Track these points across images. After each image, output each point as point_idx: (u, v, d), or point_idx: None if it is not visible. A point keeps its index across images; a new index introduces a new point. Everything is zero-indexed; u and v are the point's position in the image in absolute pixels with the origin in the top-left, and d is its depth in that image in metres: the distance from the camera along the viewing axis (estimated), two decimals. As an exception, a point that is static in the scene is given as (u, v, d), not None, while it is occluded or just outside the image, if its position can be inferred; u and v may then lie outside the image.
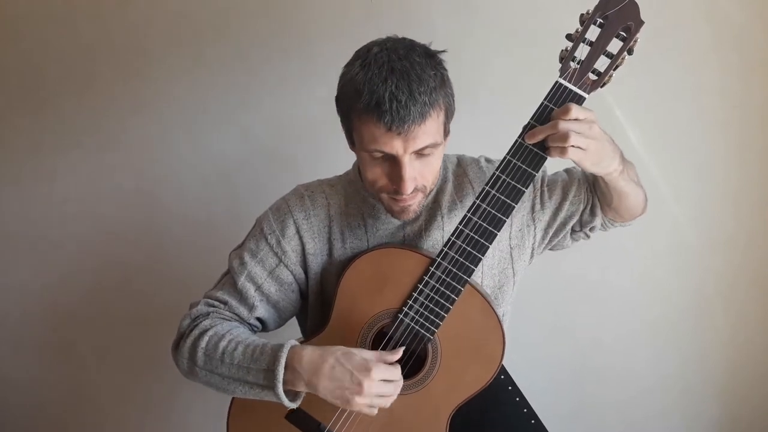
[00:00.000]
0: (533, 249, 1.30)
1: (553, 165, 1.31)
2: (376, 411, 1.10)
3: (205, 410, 1.89)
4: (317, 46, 1.69)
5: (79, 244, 1.86)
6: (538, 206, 1.27)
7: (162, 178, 1.81)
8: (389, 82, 1.03)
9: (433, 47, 1.13)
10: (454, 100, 1.13)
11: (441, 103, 1.08)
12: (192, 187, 1.81)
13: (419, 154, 1.09)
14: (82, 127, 1.79)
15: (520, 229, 1.27)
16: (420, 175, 1.11)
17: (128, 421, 1.97)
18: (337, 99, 1.14)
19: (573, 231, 1.30)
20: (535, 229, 1.28)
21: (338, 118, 1.24)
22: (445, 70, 1.11)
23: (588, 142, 1.00)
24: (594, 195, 1.25)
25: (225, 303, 1.22)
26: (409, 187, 1.09)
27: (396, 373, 1.09)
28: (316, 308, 1.27)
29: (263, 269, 1.22)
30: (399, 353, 1.11)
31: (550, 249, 1.34)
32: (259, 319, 1.24)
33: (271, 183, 1.53)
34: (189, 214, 1.82)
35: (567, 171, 1.31)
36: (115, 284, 1.88)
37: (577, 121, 1.00)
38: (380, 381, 1.07)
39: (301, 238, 1.23)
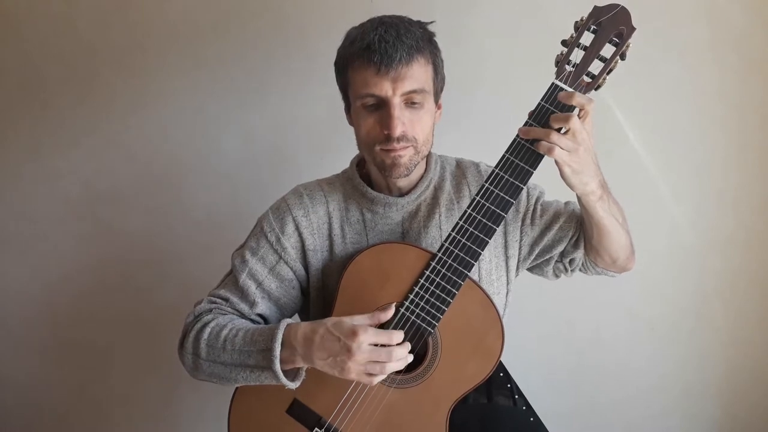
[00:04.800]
0: (519, 262, 1.32)
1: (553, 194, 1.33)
2: (375, 380, 1.08)
3: (207, 408, 1.89)
4: (317, 46, 1.70)
5: (79, 244, 1.86)
6: (528, 221, 1.30)
7: (162, 178, 1.82)
8: (379, 29, 1.15)
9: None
10: (442, 65, 1.22)
11: (428, 55, 1.17)
12: (192, 187, 1.82)
13: (408, 102, 1.15)
14: (82, 127, 1.80)
15: (516, 240, 1.30)
16: (410, 125, 1.16)
17: (129, 420, 1.97)
18: (335, 62, 1.22)
19: (556, 261, 1.32)
20: (521, 242, 1.31)
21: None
22: (434, 34, 1.20)
23: (575, 147, 1.02)
24: (582, 228, 1.27)
25: (227, 300, 1.25)
26: (397, 128, 1.14)
27: (389, 337, 1.07)
28: (317, 304, 1.29)
29: (264, 266, 1.25)
30: (391, 310, 1.10)
31: (529, 269, 1.37)
32: (260, 316, 1.26)
33: (271, 182, 1.54)
34: (189, 214, 1.83)
35: (566, 202, 1.33)
36: (115, 284, 1.88)
37: (567, 134, 1.03)
38: (370, 345, 1.06)
39: (300, 234, 1.25)
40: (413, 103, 1.16)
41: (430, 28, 1.21)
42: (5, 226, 1.86)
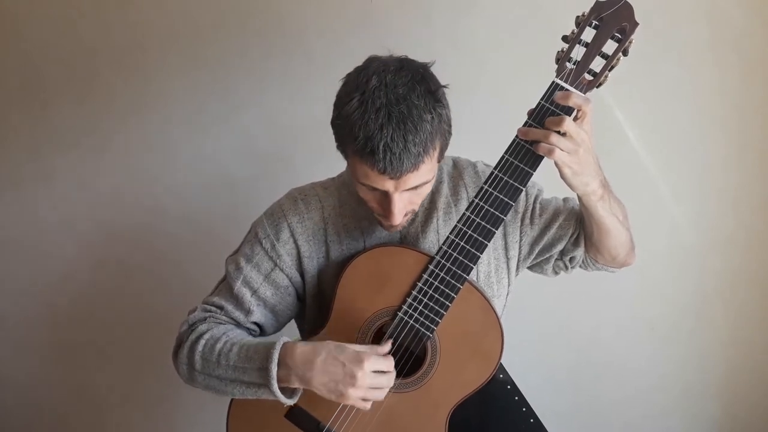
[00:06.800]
0: (519, 262, 1.31)
1: (553, 194, 1.32)
2: (369, 405, 1.10)
3: (206, 410, 1.89)
4: (317, 46, 1.70)
5: (78, 244, 1.86)
6: (527, 220, 1.28)
7: (161, 178, 1.81)
8: (384, 131, 1.01)
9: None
10: (450, 132, 1.12)
11: (436, 145, 1.07)
12: (191, 187, 1.81)
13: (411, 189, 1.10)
14: (81, 127, 1.80)
15: (516, 240, 1.29)
16: (410, 203, 1.13)
17: (128, 421, 1.98)
18: (333, 125, 1.12)
19: (556, 259, 1.31)
20: (520, 242, 1.29)
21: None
22: (445, 108, 1.09)
23: (575, 148, 1.01)
24: (582, 227, 1.25)
25: (221, 308, 1.23)
26: (398, 219, 1.11)
27: (389, 364, 1.09)
28: (313, 310, 1.27)
29: (259, 274, 1.22)
30: (388, 345, 1.11)
31: (529, 268, 1.36)
32: (256, 324, 1.24)
33: (269, 183, 1.53)
34: (188, 214, 1.82)
35: (564, 199, 1.31)
36: (114, 285, 1.88)
37: (565, 135, 1.01)
38: (373, 372, 1.07)
39: (295, 241, 1.23)
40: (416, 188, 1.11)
41: (442, 92, 1.09)
42: (5, 227, 1.86)
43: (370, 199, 1.13)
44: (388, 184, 1.07)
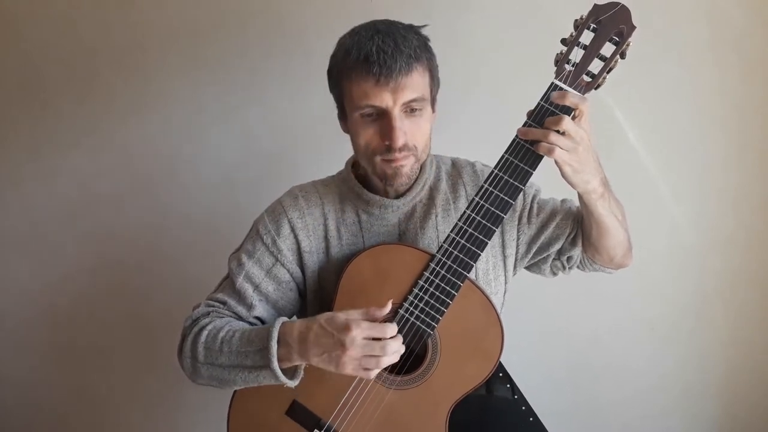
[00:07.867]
0: (516, 260, 1.32)
1: (555, 193, 1.32)
2: (372, 374, 1.07)
3: (206, 409, 1.89)
4: (317, 46, 1.69)
5: (78, 244, 1.86)
6: (525, 219, 1.30)
7: (161, 178, 1.82)
8: (375, 38, 1.12)
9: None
10: (436, 63, 1.20)
11: (425, 62, 1.16)
12: (192, 187, 1.82)
13: (407, 110, 1.14)
14: (81, 127, 1.80)
15: (514, 239, 1.30)
16: (410, 134, 1.15)
17: (128, 421, 1.97)
18: (329, 71, 1.21)
19: (553, 258, 1.32)
20: (518, 241, 1.30)
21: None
22: (428, 40, 1.19)
23: (574, 147, 1.03)
24: (579, 227, 1.27)
25: (224, 303, 1.24)
26: (399, 138, 1.13)
27: (383, 330, 1.05)
28: (314, 306, 1.28)
29: (260, 269, 1.24)
30: (388, 306, 1.07)
31: (526, 268, 1.37)
32: (258, 319, 1.25)
33: (270, 183, 1.54)
34: (188, 214, 1.83)
35: (562, 200, 1.33)
36: (114, 284, 1.88)
37: (565, 135, 1.03)
38: (364, 340, 1.04)
39: (296, 236, 1.25)
40: (413, 110, 1.15)
41: (424, 32, 1.19)
42: (5, 226, 1.86)
43: (372, 136, 1.16)
44: (386, 96, 1.11)
